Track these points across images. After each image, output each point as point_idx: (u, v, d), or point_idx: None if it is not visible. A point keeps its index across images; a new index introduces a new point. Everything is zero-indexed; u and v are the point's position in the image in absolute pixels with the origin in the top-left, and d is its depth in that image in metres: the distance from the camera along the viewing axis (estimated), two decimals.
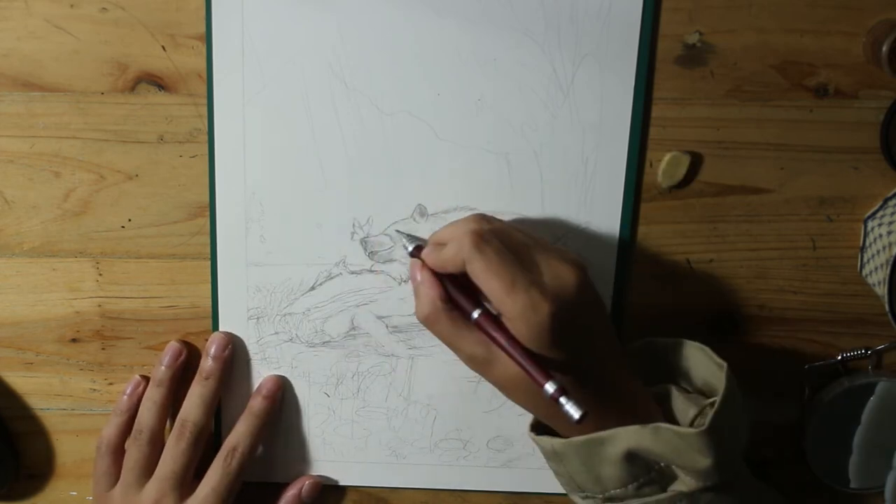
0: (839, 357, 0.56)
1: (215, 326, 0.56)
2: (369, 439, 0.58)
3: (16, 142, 0.54)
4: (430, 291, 0.47)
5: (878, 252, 0.52)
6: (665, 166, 0.53)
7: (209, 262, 0.55)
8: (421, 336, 0.56)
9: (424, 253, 0.48)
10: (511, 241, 0.47)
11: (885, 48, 0.48)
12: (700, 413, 0.48)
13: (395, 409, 0.58)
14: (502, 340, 0.45)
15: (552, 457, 0.49)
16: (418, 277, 0.48)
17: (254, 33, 0.51)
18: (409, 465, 0.59)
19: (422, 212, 0.54)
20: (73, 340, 0.58)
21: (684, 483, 0.47)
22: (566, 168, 0.53)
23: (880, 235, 0.52)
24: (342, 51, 0.51)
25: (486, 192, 0.53)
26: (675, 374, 0.52)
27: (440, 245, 0.48)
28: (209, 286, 0.56)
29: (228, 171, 0.54)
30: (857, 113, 0.52)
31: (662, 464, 0.47)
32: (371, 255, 0.55)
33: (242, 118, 0.53)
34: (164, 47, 0.52)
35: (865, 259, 0.54)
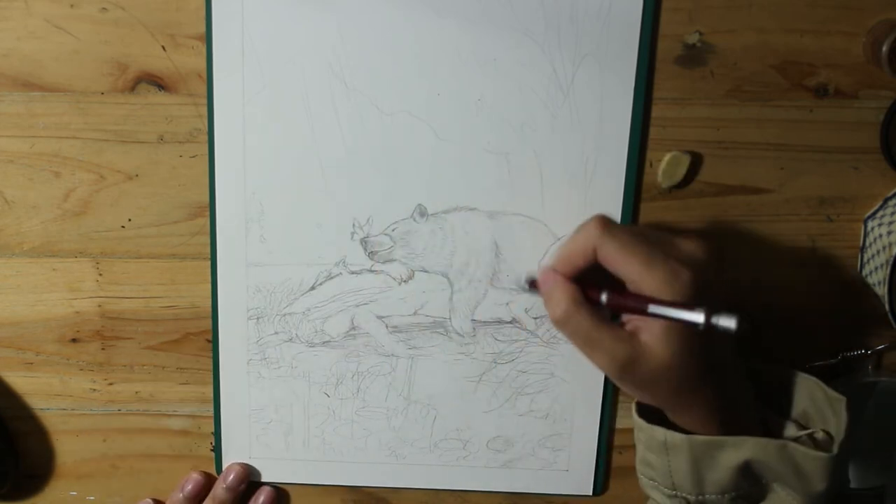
0: (839, 357, 0.56)
1: (215, 326, 0.56)
2: (369, 439, 0.58)
3: (16, 142, 0.54)
4: (566, 288, 0.46)
5: (878, 252, 0.52)
6: (665, 166, 0.53)
7: (209, 262, 0.55)
8: (421, 336, 0.56)
9: (550, 262, 0.47)
10: (635, 229, 0.46)
11: (885, 48, 0.48)
12: (795, 440, 0.47)
13: (395, 409, 0.58)
14: (642, 303, 0.43)
15: (659, 448, 0.47)
16: (549, 282, 0.46)
17: (254, 33, 0.51)
18: (409, 465, 0.59)
19: (422, 212, 0.54)
20: (73, 340, 0.58)
21: (782, 502, 0.47)
22: (566, 168, 0.53)
23: (880, 235, 0.52)
24: (342, 51, 0.51)
25: (486, 192, 0.53)
26: (765, 399, 0.51)
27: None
28: (209, 286, 0.56)
29: (228, 171, 0.54)
30: (857, 113, 0.52)
31: (766, 480, 0.47)
32: (371, 255, 0.55)
33: (242, 118, 0.53)
34: (164, 47, 0.52)
35: (865, 259, 0.54)
